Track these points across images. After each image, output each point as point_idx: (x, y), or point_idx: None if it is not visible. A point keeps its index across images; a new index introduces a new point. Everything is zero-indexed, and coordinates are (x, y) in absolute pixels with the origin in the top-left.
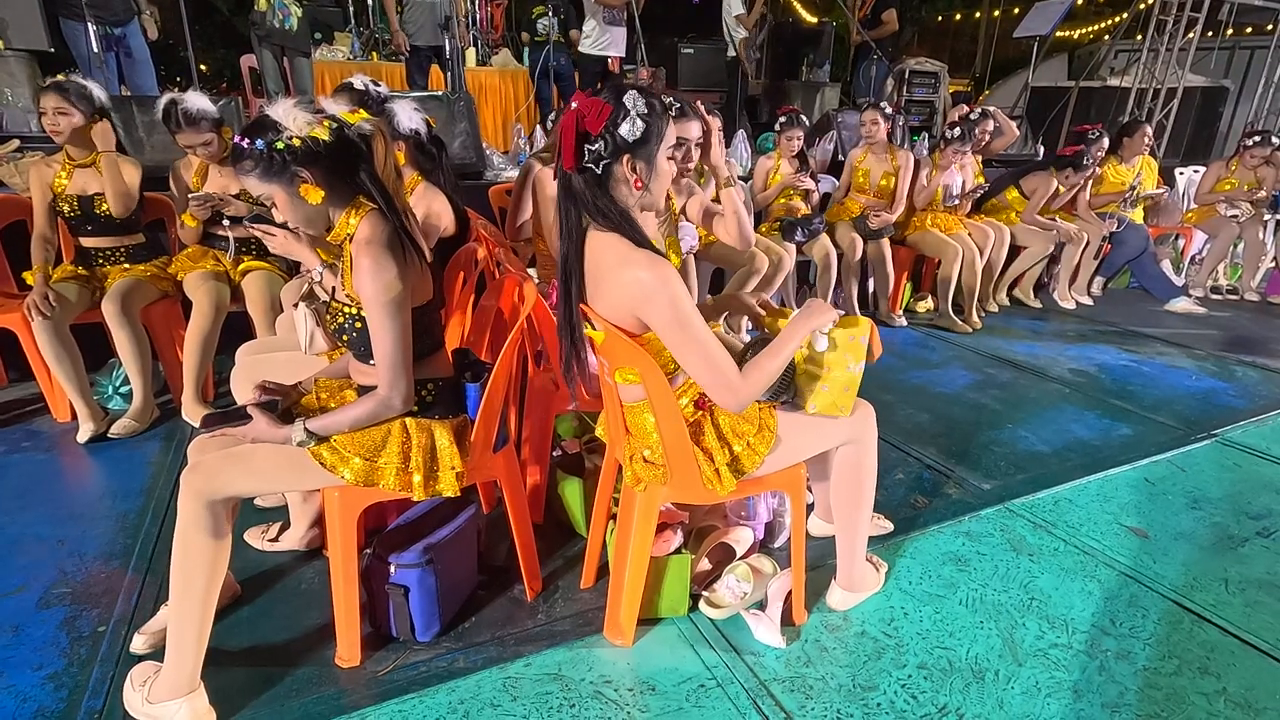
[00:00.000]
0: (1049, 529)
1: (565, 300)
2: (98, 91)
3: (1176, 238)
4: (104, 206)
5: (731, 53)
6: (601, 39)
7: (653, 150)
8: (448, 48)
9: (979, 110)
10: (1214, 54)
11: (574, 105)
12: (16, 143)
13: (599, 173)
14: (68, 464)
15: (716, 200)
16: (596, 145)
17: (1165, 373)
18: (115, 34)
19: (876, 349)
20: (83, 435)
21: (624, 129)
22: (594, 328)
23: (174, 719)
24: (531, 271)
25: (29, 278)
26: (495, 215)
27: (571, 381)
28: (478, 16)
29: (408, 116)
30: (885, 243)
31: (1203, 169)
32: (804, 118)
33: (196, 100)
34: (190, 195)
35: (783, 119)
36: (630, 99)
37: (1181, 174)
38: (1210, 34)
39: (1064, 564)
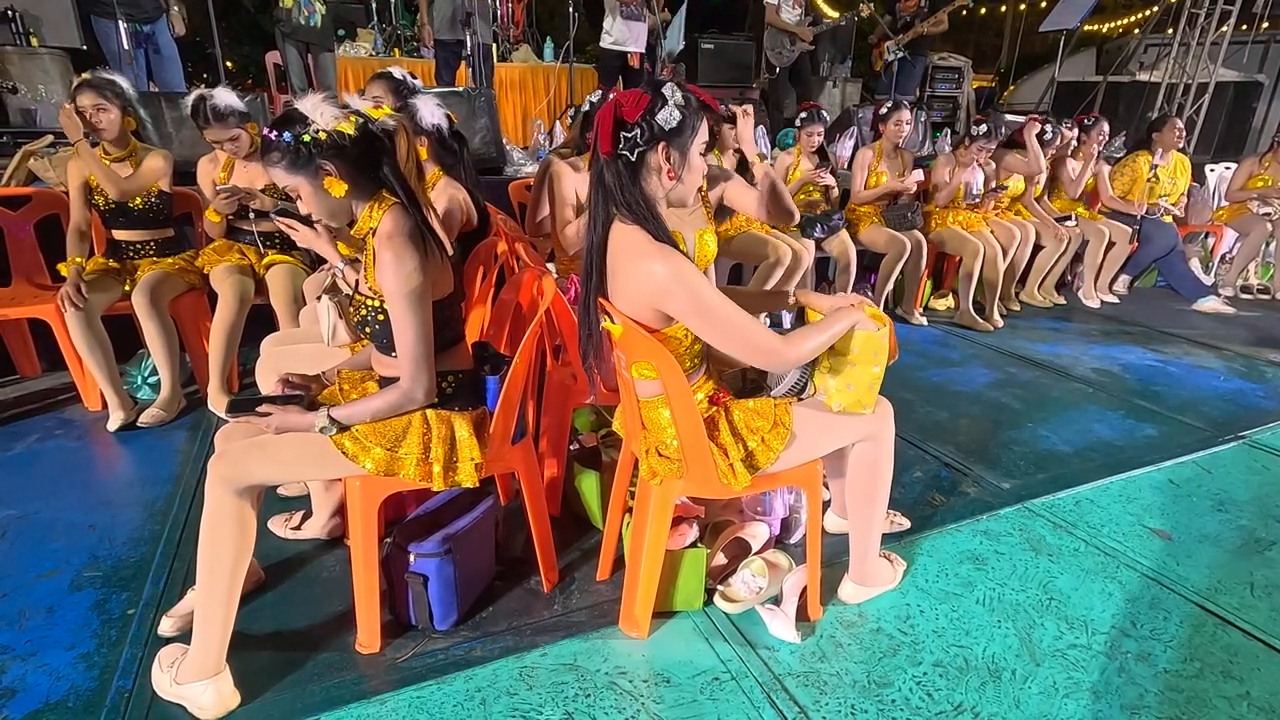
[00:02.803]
0: (1069, 529)
1: (586, 292)
2: (125, 85)
3: (1206, 236)
4: (137, 201)
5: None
6: (621, 35)
7: (687, 142)
8: (469, 43)
9: (1050, 127)
10: (1247, 48)
11: (612, 96)
12: (50, 138)
13: (633, 160)
14: (98, 452)
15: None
16: (633, 132)
17: (1192, 373)
18: (144, 31)
19: (894, 350)
20: (113, 424)
21: (661, 116)
22: (613, 321)
23: (200, 700)
24: (550, 266)
25: (63, 269)
26: (515, 210)
27: (591, 372)
28: (498, 13)
29: (430, 112)
30: (921, 237)
31: (1234, 166)
32: (825, 113)
33: (225, 96)
34: (217, 188)
35: (803, 114)
36: (669, 90)
37: (1212, 171)
38: (1244, 27)
39: (1084, 565)
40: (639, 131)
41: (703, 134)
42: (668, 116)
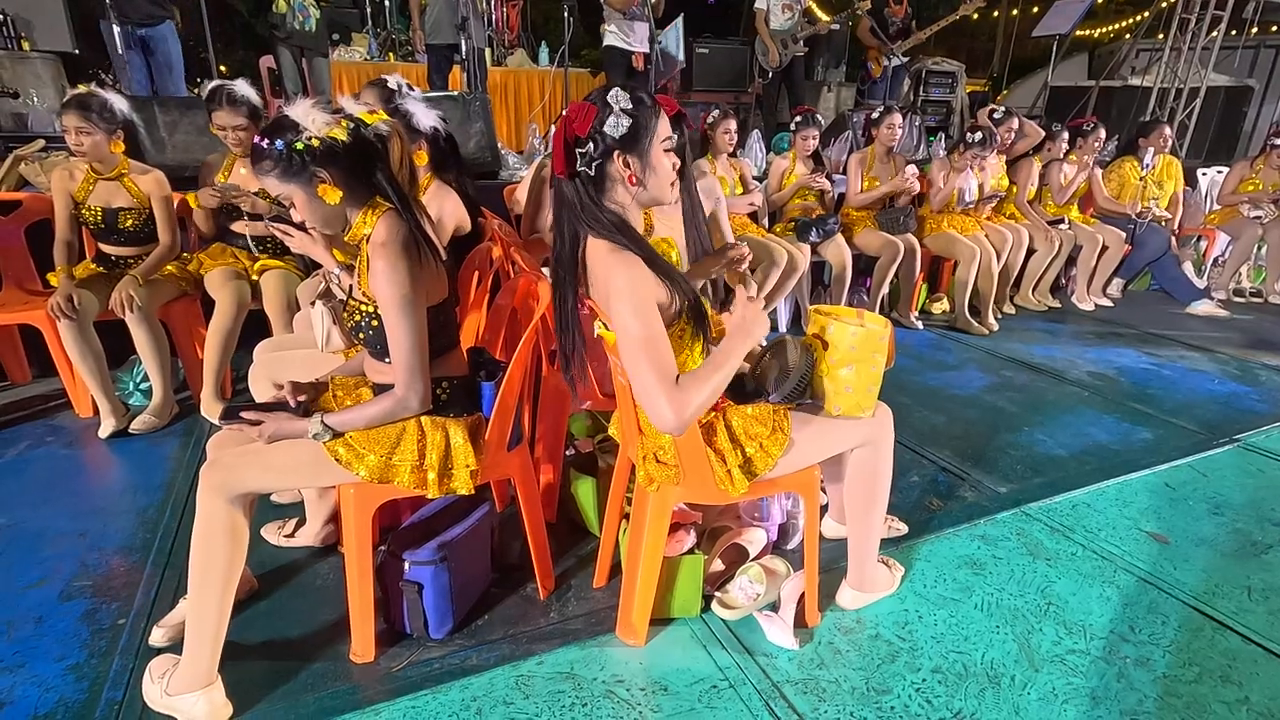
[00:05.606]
0: (1066, 533)
1: (559, 302)
2: (119, 104)
3: (1198, 239)
4: (129, 222)
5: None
6: (627, 34)
7: (644, 145)
8: (464, 47)
9: (1002, 108)
10: (1238, 53)
11: (565, 113)
12: (41, 142)
13: (593, 175)
14: (89, 459)
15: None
16: (586, 147)
17: (1186, 376)
18: (140, 34)
19: (891, 355)
20: (104, 431)
21: (609, 126)
22: (606, 327)
23: (192, 711)
24: (545, 271)
25: (53, 279)
26: (509, 215)
27: (573, 382)
28: (493, 17)
29: (423, 114)
30: (914, 240)
31: (1226, 170)
32: (820, 118)
33: (244, 86)
34: (217, 186)
35: (798, 119)
36: (614, 96)
37: (1204, 175)
38: (1234, 32)
39: (1082, 569)
40: (592, 145)
41: (662, 130)
42: (615, 124)
